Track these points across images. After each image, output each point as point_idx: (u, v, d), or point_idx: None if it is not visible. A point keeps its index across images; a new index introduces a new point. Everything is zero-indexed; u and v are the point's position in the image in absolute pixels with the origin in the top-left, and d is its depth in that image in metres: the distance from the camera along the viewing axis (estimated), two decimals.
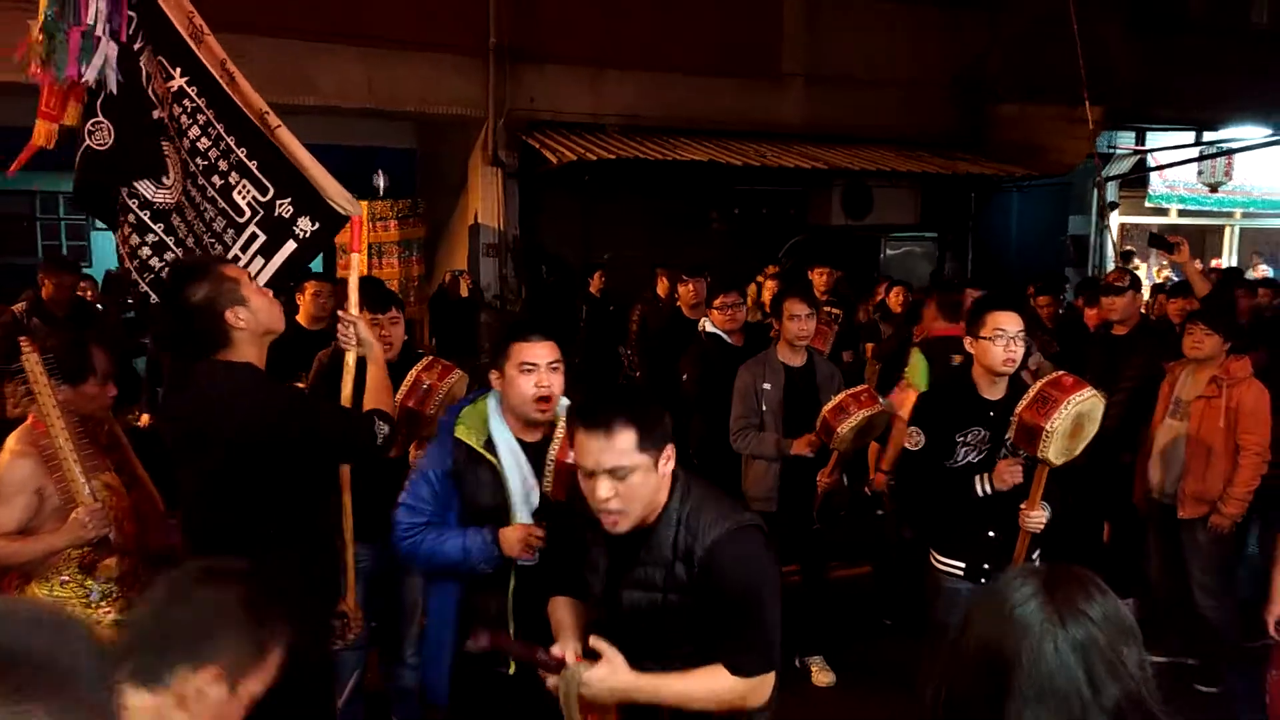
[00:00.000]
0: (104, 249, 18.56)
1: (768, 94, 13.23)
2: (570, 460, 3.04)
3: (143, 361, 8.79)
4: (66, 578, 3.61)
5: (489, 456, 3.36)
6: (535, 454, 3.40)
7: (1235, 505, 5.33)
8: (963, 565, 4.30)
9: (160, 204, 4.15)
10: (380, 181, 11.96)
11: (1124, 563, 6.24)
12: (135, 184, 4.10)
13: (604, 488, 2.58)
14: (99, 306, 10.49)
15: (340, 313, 4.00)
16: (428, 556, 3.35)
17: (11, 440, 3.58)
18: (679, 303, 7.73)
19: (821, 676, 5.69)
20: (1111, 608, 1.70)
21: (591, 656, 2.64)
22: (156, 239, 4.16)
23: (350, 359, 3.95)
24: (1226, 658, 5.35)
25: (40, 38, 3.87)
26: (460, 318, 11.32)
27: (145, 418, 7.62)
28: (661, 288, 9.50)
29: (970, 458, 4.29)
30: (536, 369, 3.34)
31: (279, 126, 3.97)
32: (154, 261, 4.16)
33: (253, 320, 3.33)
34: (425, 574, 3.43)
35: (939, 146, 13.74)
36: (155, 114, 4.06)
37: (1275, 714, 4.10)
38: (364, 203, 12.35)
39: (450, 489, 3.39)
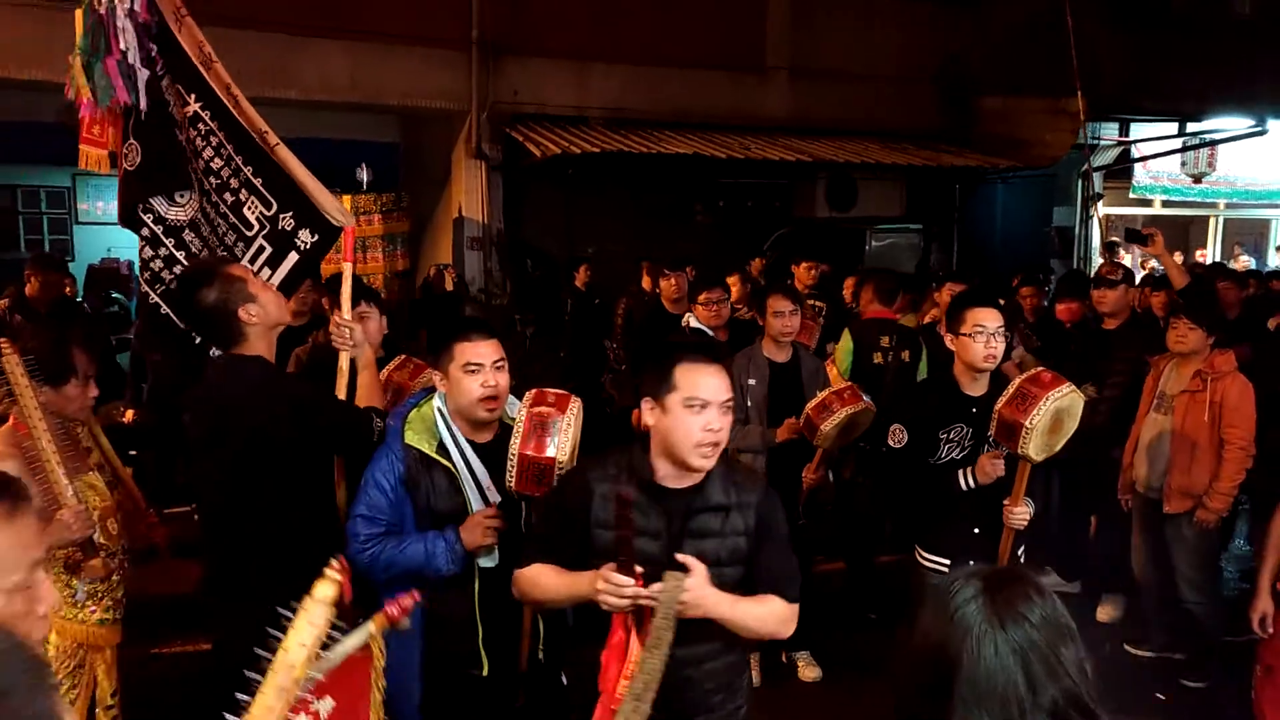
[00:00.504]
0: (87, 244, 18.50)
1: (753, 87, 13.22)
2: (532, 452, 3.11)
3: (126, 357, 8.73)
4: (51, 578, 3.55)
5: (443, 461, 3.34)
6: (487, 454, 3.38)
7: (1220, 500, 5.34)
8: (948, 561, 4.30)
9: (174, 221, 4.40)
10: (364, 175, 11.92)
11: (1110, 557, 6.27)
12: (150, 200, 4.36)
13: (718, 420, 2.76)
14: (83, 304, 10.45)
15: (335, 317, 4.13)
16: (387, 565, 3.29)
17: None
18: (661, 298, 7.75)
19: (808, 671, 5.70)
20: (1050, 610, 1.73)
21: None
22: (168, 253, 4.40)
23: (344, 361, 4.10)
24: (1212, 652, 5.36)
25: (78, 66, 4.19)
26: (445, 312, 11.27)
27: (130, 413, 7.57)
28: (646, 282, 9.51)
29: (954, 454, 4.30)
30: (481, 369, 3.32)
31: (278, 145, 4.24)
32: (165, 274, 4.40)
33: (263, 314, 3.55)
34: (385, 584, 3.26)
35: (924, 139, 13.74)
36: (179, 135, 4.34)
37: (1259, 709, 4.12)
38: (347, 196, 12.37)
39: (404, 496, 3.35)
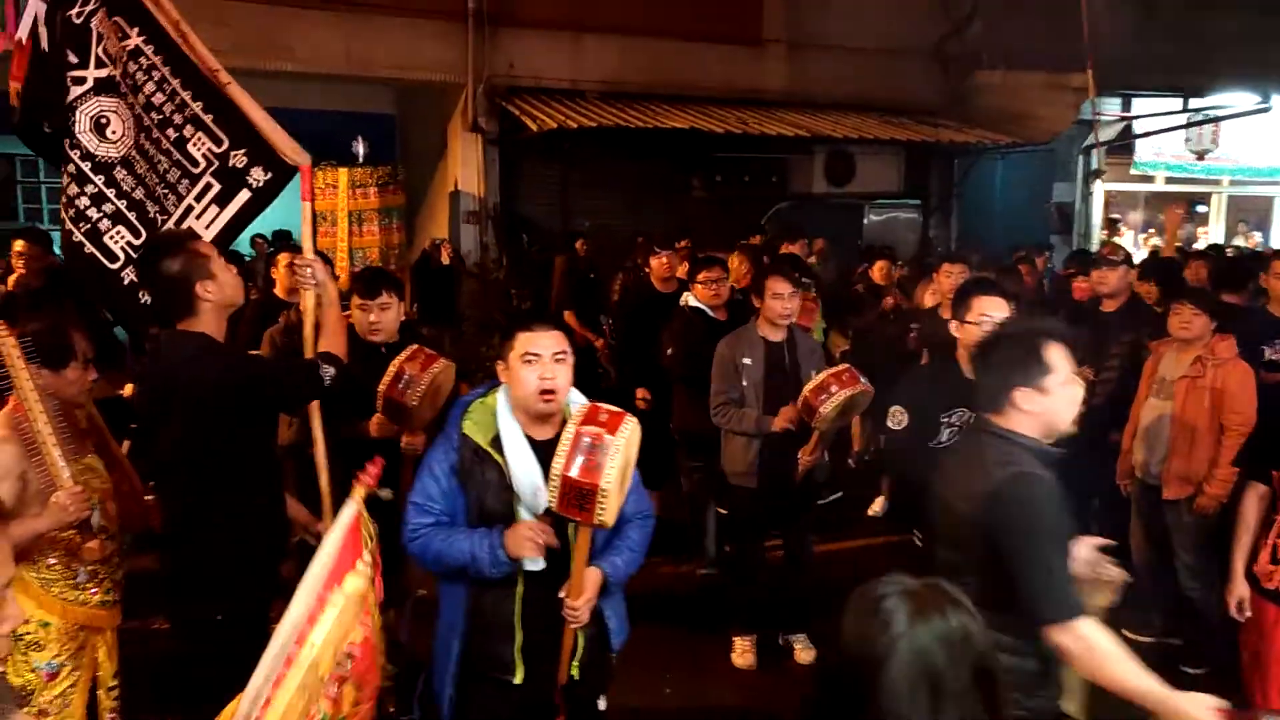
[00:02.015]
0: None
1: (749, 60, 13.19)
2: (577, 476, 2.93)
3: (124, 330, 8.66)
4: (54, 560, 3.65)
5: (496, 455, 3.20)
6: (545, 452, 3.17)
7: (1219, 486, 5.27)
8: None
9: (103, 157, 4.29)
10: (360, 148, 11.83)
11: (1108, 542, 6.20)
12: (78, 135, 4.25)
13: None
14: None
15: (296, 257, 4.24)
16: (435, 557, 3.20)
17: None
18: (651, 276, 7.57)
19: (804, 654, 5.67)
20: (958, 627, 1.74)
21: None
22: (96, 190, 4.31)
23: (309, 300, 4.13)
24: (1211, 638, 5.31)
25: None
26: (441, 286, 11.24)
27: (129, 387, 7.52)
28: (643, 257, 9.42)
29: (955, 438, 4.27)
30: (540, 359, 3.18)
31: (229, 84, 4.17)
32: (91, 212, 4.30)
33: (219, 293, 3.61)
34: (436, 575, 3.29)
35: (922, 113, 13.71)
36: (103, 72, 4.26)
37: (1249, 691, 4.15)
38: (344, 170, 12.32)
39: (456, 487, 3.24)
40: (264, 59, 10.06)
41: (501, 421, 3.24)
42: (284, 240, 11.40)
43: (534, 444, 3.22)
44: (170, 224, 4.21)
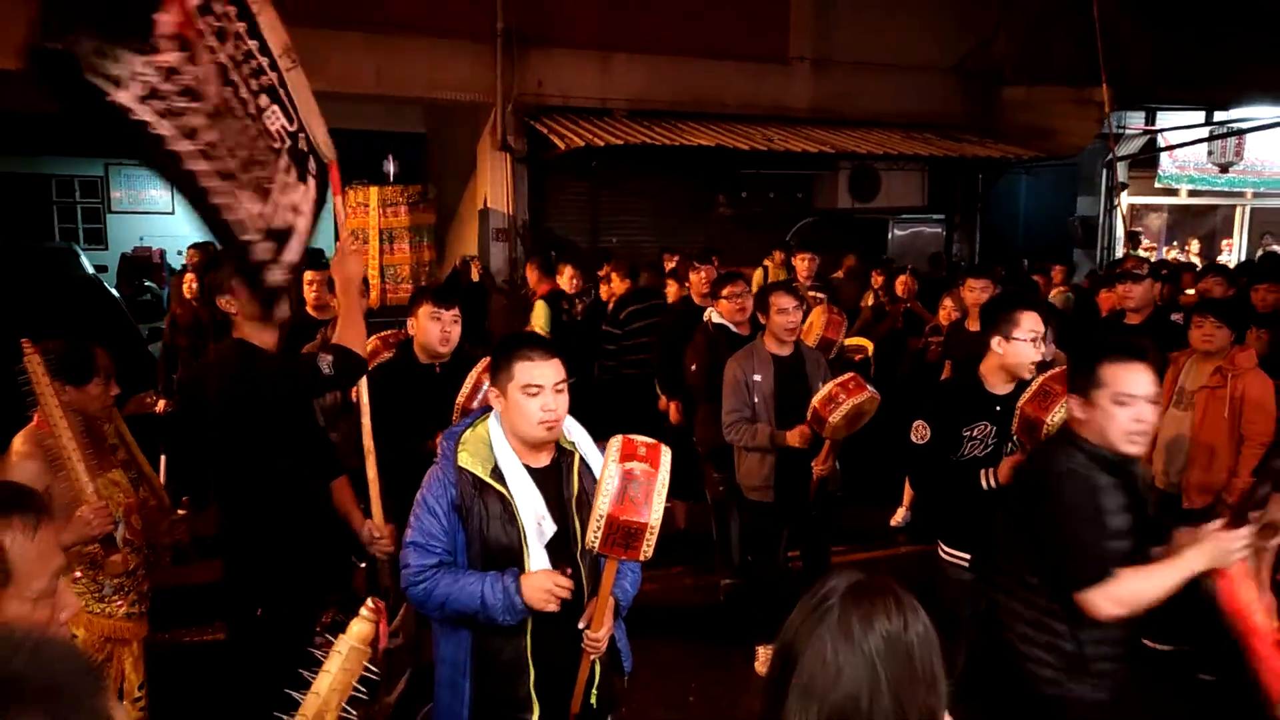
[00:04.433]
0: (120, 231, 18.72)
1: (776, 78, 13.21)
2: (626, 516, 2.82)
3: (158, 347, 8.80)
4: (79, 574, 3.67)
5: (498, 486, 3.05)
6: (543, 480, 3.10)
7: (1238, 496, 5.15)
8: (968, 556, 4.33)
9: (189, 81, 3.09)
10: (390, 167, 11.93)
11: None
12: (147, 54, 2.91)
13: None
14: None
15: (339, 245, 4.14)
16: (441, 603, 3.00)
17: (17, 442, 3.64)
18: (691, 291, 7.59)
19: None
20: (895, 634, 1.71)
21: None
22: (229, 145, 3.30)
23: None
24: (1229, 647, 5.35)
25: None
26: (471, 303, 11.30)
27: (162, 403, 7.64)
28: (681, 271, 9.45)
29: (976, 452, 4.31)
30: (542, 391, 3.04)
31: (293, 68, 3.77)
32: (177, 103, 3.00)
33: (237, 308, 3.79)
34: (435, 619, 3.14)
35: (947, 129, 13.70)
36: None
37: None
38: (374, 188, 12.45)
39: (457, 522, 3.07)
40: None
41: (499, 451, 3.09)
42: (316, 258, 11.52)
43: (530, 472, 3.09)
44: (275, 195, 3.55)
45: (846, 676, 1.66)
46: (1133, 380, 3.12)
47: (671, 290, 8.58)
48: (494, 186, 12.10)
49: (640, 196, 12.78)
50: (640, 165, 12.08)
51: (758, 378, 5.51)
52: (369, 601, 2.15)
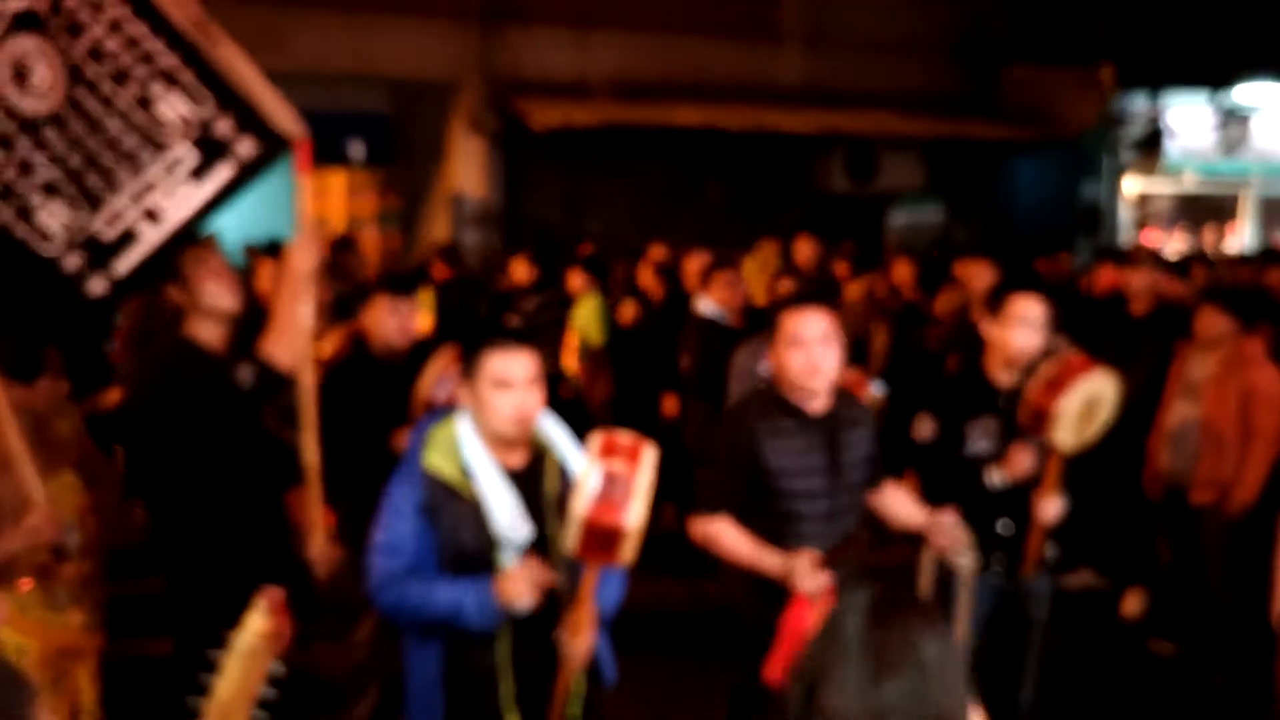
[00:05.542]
0: None
1: (766, 55, 13.14)
2: (604, 519, 2.75)
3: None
4: (30, 583, 3.58)
5: (468, 488, 2.96)
6: (519, 482, 3.01)
7: (1246, 491, 5.27)
8: (973, 560, 4.16)
9: (29, 114, 3.47)
10: (356, 149, 11.66)
11: (1135, 549, 6.26)
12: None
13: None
14: None
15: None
16: (413, 611, 2.93)
17: None
18: (682, 279, 7.42)
19: None
20: (919, 661, 1.65)
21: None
22: (22, 158, 3.51)
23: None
24: (1241, 648, 5.32)
25: None
26: (456, 298, 10.99)
27: (114, 397, 7.31)
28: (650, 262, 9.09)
29: (981, 447, 4.17)
30: (513, 386, 2.93)
31: (220, 43, 3.54)
32: (18, 186, 3.48)
33: (190, 299, 3.64)
34: (405, 629, 3.05)
35: (945, 109, 13.64)
36: (21, 4, 3.44)
37: None
38: (341, 173, 12.17)
39: (426, 525, 2.96)
40: (261, 58, 9.78)
41: (469, 451, 2.99)
42: (274, 250, 11.15)
43: (506, 473, 3.01)
44: (122, 200, 3.56)
45: (874, 708, 1.61)
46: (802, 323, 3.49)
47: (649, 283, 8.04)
48: (467, 169, 11.98)
49: (623, 180, 12.59)
50: (624, 147, 11.94)
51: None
52: (266, 593, 2.06)
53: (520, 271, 8.39)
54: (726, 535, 3.48)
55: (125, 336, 7.21)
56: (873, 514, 4.08)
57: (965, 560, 3.86)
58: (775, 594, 3.35)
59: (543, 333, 7.27)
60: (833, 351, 3.47)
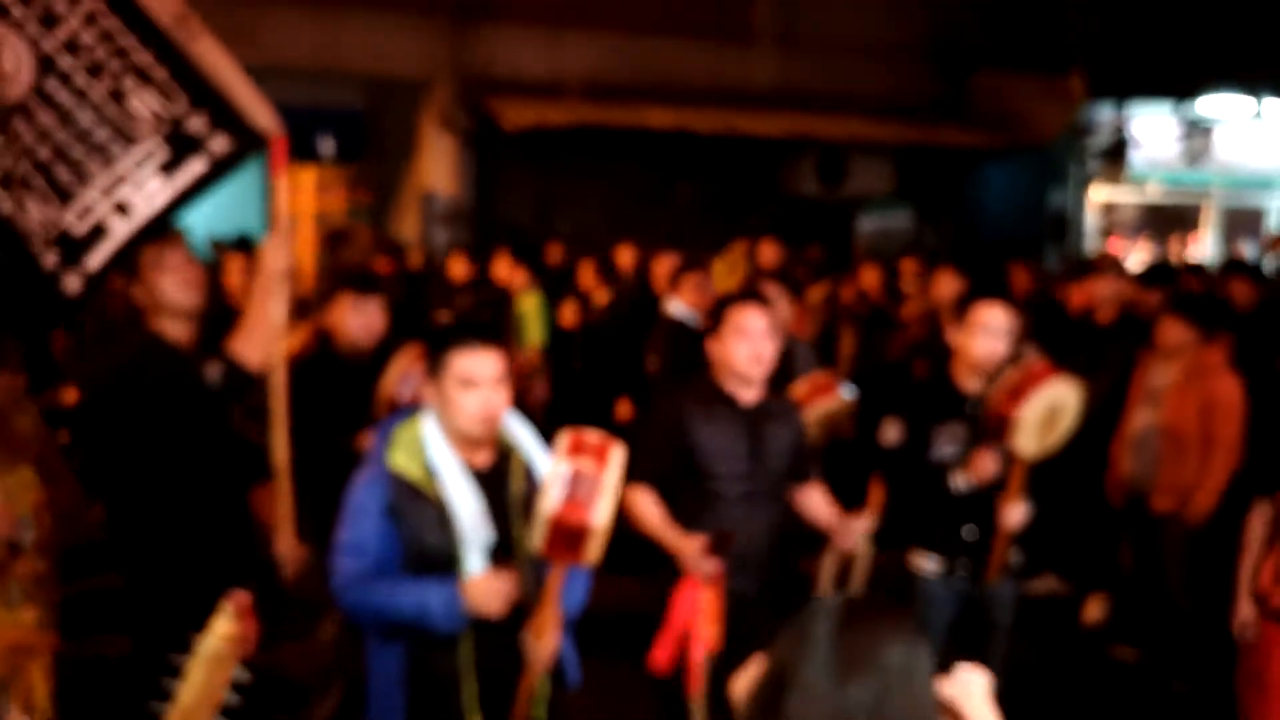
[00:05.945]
0: None
1: (738, 57, 13.12)
2: (570, 518, 2.75)
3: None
4: None
5: (432, 488, 2.93)
6: (484, 482, 2.98)
7: (1206, 498, 5.28)
8: (938, 565, 4.24)
9: None
10: (326, 146, 11.54)
11: (1096, 555, 6.32)
12: None
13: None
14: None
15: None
16: (377, 612, 2.91)
17: None
18: (652, 280, 7.36)
19: None
20: (888, 665, 1.66)
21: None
22: None
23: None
24: (1202, 656, 5.35)
25: None
26: (410, 293, 10.88)
27: (71, 393, 7.22)
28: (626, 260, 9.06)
29: (947, 453, 4.21)
30: (480, 385, 2.89)
31: (199, 38, 3.52)
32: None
33: (147, 297, 3.57)
34: (368, 629, 3.03)
35: (916, 114, 13.63)
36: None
37: (1243, 713, 4.18)
38: (311, 169, 12.07)
39: (391, 526, 2.93)
40: (231, 50, 9.69)
41: (434, 451, 2.96)
42: (243, 246, 11.06)
43: (471, 473, 2.98)
44: (92, 194, 3.53)
45: (837, 710, 1.63)
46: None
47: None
48: (438, 168, 11.91)
49: (595, 180, 12.56)
50: (595, 147, 11.91)
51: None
52: (233, 597, 2.05)
53: (458, 268, 8.32)
54: (641, 504, 3.68)
55: (76, 332, 7.20)
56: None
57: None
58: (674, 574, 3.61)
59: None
60: (771, 345, 3.74)
